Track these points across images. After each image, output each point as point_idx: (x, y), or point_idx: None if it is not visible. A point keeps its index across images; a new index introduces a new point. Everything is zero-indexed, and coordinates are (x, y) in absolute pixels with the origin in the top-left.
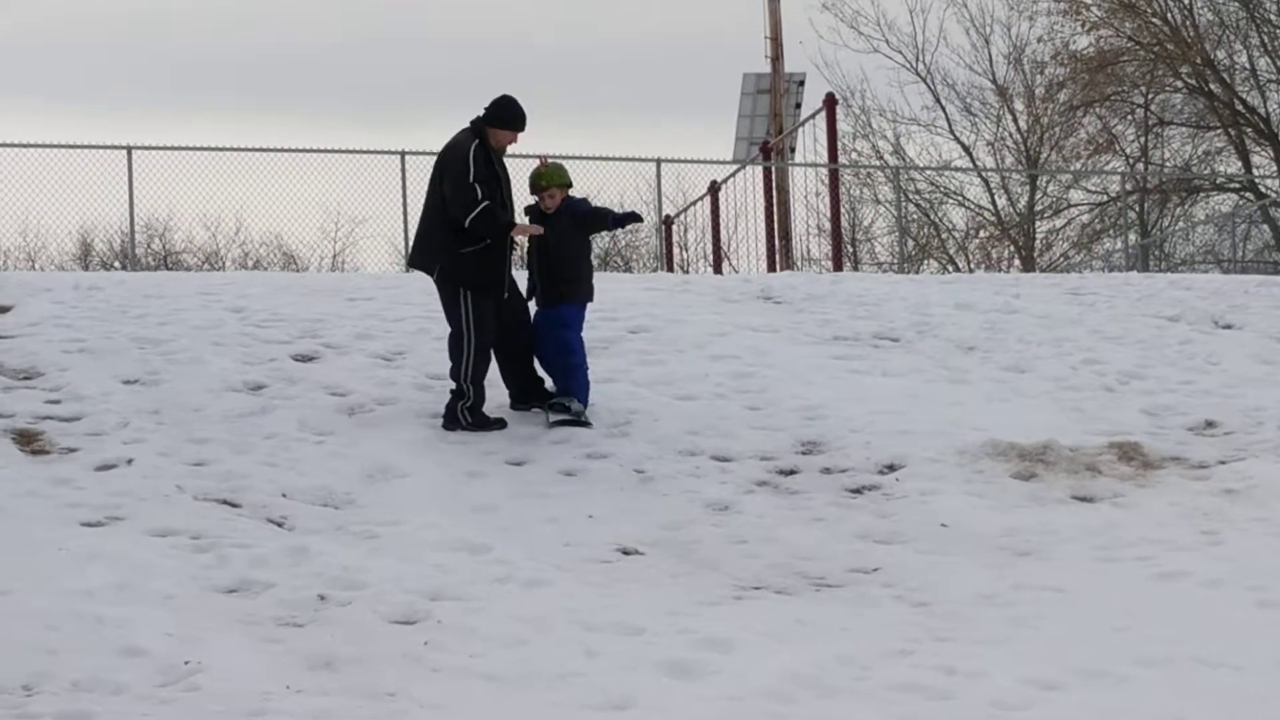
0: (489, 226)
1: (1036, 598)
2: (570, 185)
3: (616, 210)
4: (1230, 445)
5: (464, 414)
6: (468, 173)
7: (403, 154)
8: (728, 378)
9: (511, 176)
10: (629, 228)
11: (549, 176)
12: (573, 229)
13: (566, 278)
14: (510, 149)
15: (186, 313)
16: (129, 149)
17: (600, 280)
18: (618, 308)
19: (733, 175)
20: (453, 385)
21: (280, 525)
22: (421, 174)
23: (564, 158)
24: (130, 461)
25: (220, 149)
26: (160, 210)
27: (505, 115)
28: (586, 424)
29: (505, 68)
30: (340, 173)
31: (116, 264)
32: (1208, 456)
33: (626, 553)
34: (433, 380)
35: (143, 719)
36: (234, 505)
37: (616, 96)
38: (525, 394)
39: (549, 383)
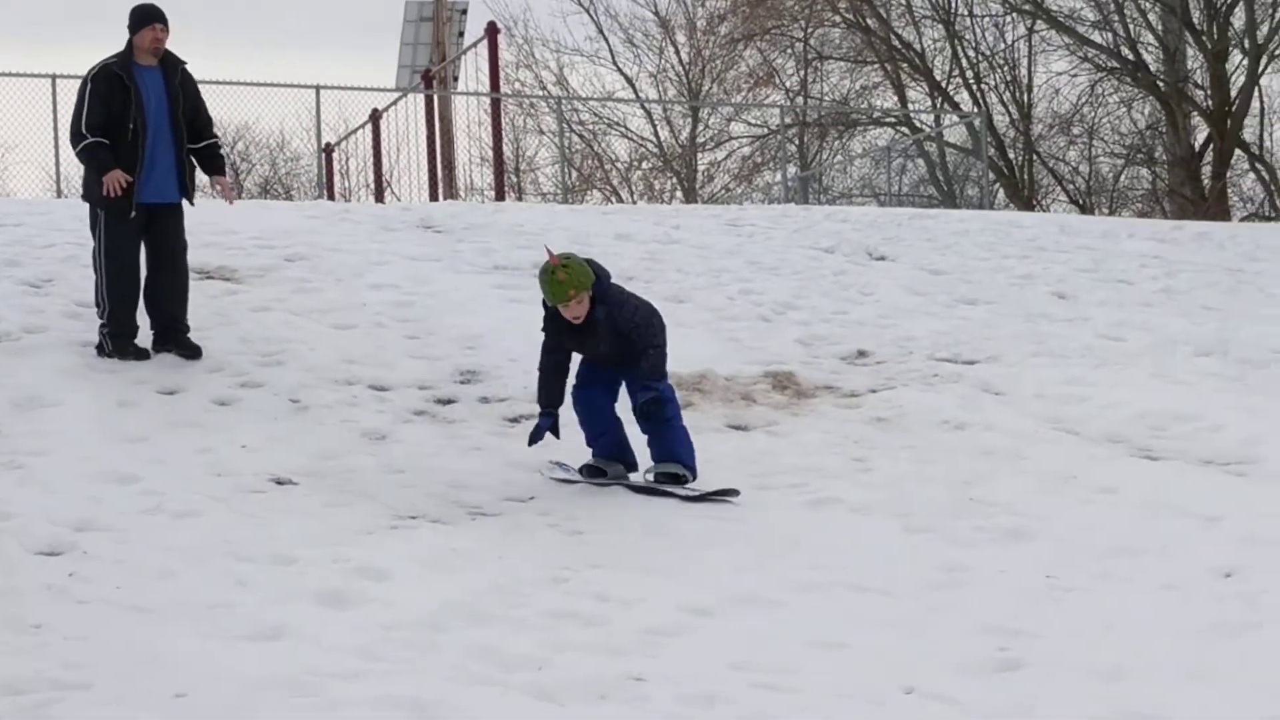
0: (88, 163)
1: (695, 525)
2: (591, 282)
3: (661, 354)
4: (882, 375)
5: (105, 340)
6: (80, 109)
7: (54, 77)
8: (386, 306)
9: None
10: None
11: (571, 283)
12: (612, 331)
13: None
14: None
15: None
16: None
17: (258, 208)
18: (275, 235)
19: (394, 103)
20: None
21: None
22: (73, 98)
23: (222, 83)
24: None
25: None
26: None
27: (134, 20)
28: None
29: None
30: None
31: None
32: (859, 385)
33: (281, 483)
34: (82, 309)
35: None
36: None
37: (276, 22)
38: (163, 335)
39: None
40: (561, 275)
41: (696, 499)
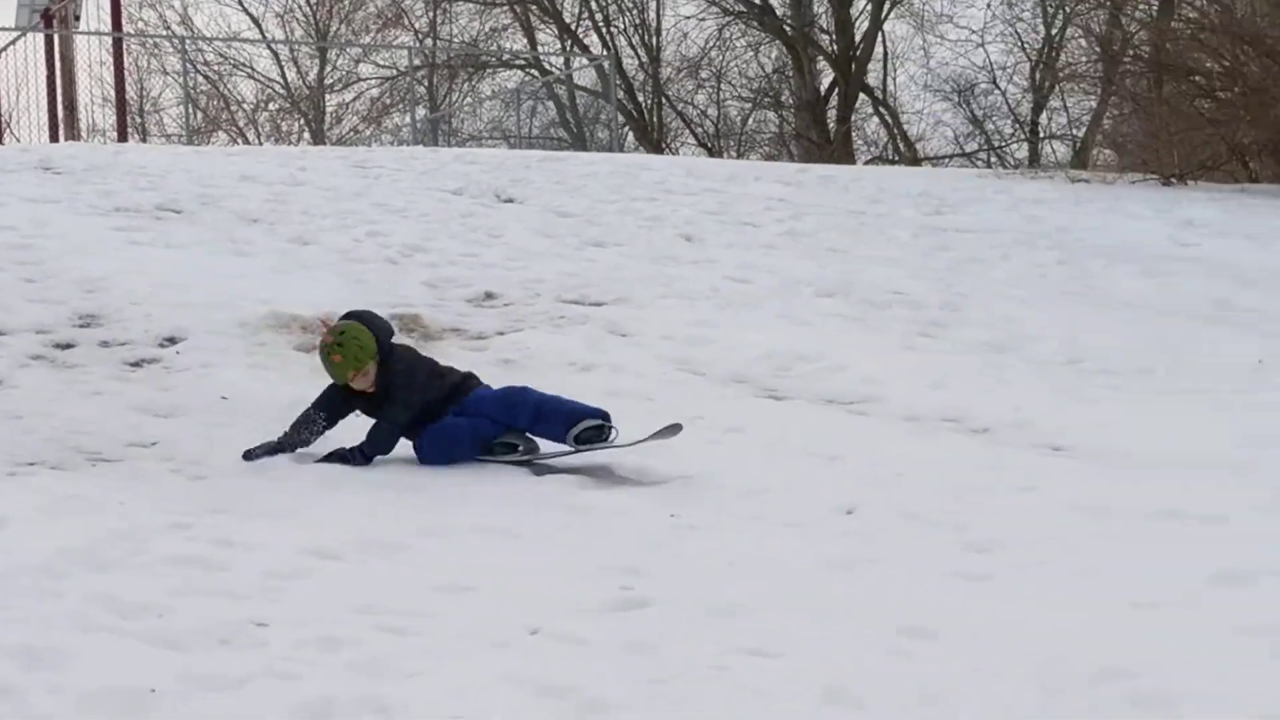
0: None
1: (319, 469)
2: (372, 353)
3: (380, 430)
4: (509, 317)
5: None
6: None
7: None
8: (3, 249)
9: None
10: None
11: (349, 363)
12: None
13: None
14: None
15: None
16: None
17: None
18: None
19: (13, 42)
20: None
21: None
22: None
23: None
24: None
25: None
26: None
27: None
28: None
29: None
30: None
31: None
32: (486, 328)
33: None
34: None
35: None
36: None
37: None
38: None
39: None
40: (337, 356)
41: (641, 441)
